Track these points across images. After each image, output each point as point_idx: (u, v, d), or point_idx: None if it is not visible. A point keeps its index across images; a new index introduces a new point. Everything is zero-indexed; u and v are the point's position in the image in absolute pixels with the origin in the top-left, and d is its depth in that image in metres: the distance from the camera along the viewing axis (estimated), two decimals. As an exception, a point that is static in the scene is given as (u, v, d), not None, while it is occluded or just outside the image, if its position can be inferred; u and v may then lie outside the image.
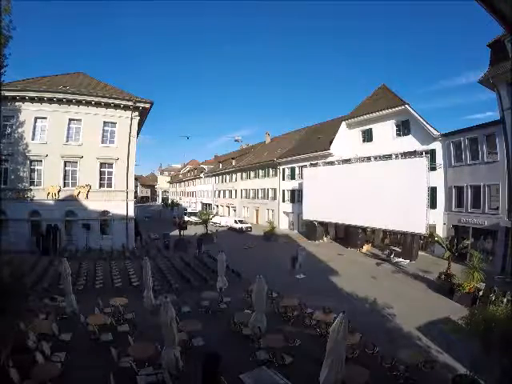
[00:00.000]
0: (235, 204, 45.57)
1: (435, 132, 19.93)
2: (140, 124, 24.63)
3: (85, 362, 6.84)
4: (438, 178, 19.57)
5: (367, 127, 25.25)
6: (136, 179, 34.03)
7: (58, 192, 20.32)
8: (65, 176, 20.80)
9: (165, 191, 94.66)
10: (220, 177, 51.65)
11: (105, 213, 21.57)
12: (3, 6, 15.43)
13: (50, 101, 20.16)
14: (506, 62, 15.67)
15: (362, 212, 21.38)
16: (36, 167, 20.28)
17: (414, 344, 8.32)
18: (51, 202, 20.10)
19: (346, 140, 26.67)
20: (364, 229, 22.91)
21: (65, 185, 20.78)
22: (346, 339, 5.97)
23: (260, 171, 38.83)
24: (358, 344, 7.47)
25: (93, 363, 6.74)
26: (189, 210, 46.45)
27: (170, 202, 65.69)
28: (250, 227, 33.28)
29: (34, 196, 19.77)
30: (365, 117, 24.80)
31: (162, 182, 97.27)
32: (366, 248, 22.54)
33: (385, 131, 23.58)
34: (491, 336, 5.31)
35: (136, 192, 30.24)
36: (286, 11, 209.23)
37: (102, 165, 21.58)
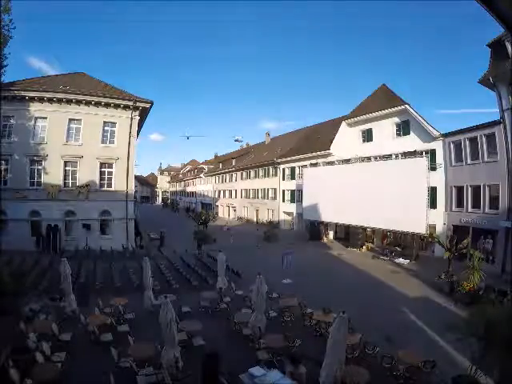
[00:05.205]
0: (235, 204, 45.60)
1: (435, 132, 19.92)
2: (140, 124, 24.64)
3: (85, 362, 6.84)
4: (438, 178, 19.56)
5: (367, 127, 25.25)
6: (136, 179, 34.00)
7: (58, 192, 20.33)
8: (65, 176, 20.80)
9: (165, 191, 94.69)
10: (220, 177, 51.69)
11: (105, 213, 21.58)
12: (3, 5, 15.51)
13: (50, 101, 20.15)
14: (506, 61, 15.67)
15: (362, 212, 21.40)
16: (36, 167, 20.28)
17: (418, 341, 8.30)
18: (51, 202, 20.09)
19: (346, 140, 26.67)
20: (364, 229, 22.94)
21: (65, 185, 20.78)
22: (345, 339, 5.98)
23: (260, 171, 38.85)
24: (358, 344, 7.46)
25: (93, 363, 6.75)
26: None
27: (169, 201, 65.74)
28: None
29: (34, 196, 19.77)
30: (365, 117, 24.80)
31: (162, 182, 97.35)
32: (366, 248, 22.58)
33: (385, 131, 23.59)
34: (491, 336, 5.31)
35: (136, 192, 30.23)
36: (286, 10, 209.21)
37: (102, 165, 21.57)
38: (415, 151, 19.79)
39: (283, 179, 33.55)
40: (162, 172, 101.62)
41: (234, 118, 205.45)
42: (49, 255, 17.60)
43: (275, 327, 8.77)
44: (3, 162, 19.31)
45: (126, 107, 21.92)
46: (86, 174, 21.05)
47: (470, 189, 18.14)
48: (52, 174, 20.28)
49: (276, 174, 34.87)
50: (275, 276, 14.96)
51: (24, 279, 10.06)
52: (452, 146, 19.23)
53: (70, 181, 20.97)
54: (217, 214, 43.03)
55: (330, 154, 26.75)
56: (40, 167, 20.28)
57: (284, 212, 33.69)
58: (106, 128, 21.80)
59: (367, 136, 25.37)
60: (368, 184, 20.95)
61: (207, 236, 22.50)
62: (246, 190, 42.49)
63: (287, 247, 19.87)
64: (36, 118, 20.23)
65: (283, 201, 33.57)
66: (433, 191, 19.34)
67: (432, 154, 19.71)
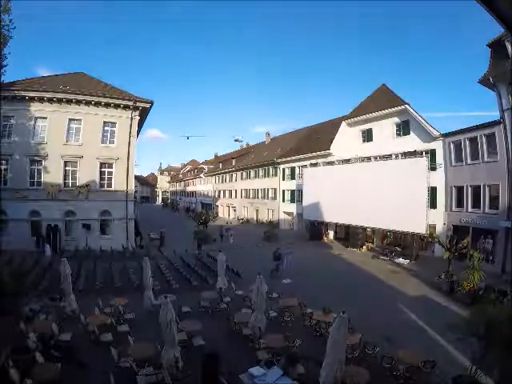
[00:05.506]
0: (235, 204, 45.59)
1: (435, 132, 19.92)
2: (140, 124, 24.64)
3: (85, 361, 6.83)
4: (438, 178, 19.55)
5: (367, 127, 25.24)
6: (136, 179, 34.02)
7: (58, 192, 20.32)
8: (65, 176, 20.80)
9: (165, 191, 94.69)
10: (220, 177, 51.68)
11: (105, 213, 21.57)
12: (3, 5, 15.51)
13: (50, 101, 20.14)
14: (506, 61, 15.67)
15: (362, 212, 21.39)
16: (36, 167, 20.27)
17: (418, 341, 8.31)
18: (51, 202, 20.08)
19: (346, 140, 26.66)
20: (364, 229, 22.93)
21: (65, 185, 20.77)
22: (345, 339, 5.98)
23: (260, 171, 38.84)
24: (358, 344, 7.46)
25: (93, 363, 6.74)
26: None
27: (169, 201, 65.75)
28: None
29: (34, 196, 19.76)
30: (365, 117, 24.79)
31: (162, 182, 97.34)
32: (366, 248, 22.58)
33: (385, 131, 23.57)
34: (491, 336, 5.31)
35: (136, 192, 30.26)
36: (285, 11, 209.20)
37: (102, 165, 21.56)
38: (415, 151, 19.78)
39: (283, 179, 33.54)
40: (161, 172, 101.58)
41: (234, 118, 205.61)
42: (49, 255, 17.60)
43: (275, 327, 8.77)
44: (3, 161, 19.30)
45: (125, 107, 21.91)
46: (86, 174, 21.04)
47: (470, 189, 18.13)
48: (52, 174, 20.27)
49: (276, 174, 34.87)
50: (275, 276, 14.98)
51: (24, 279, 10.05)
52: (452, 145, 19.23)
53: (70, 181, 20.95)
54: (217, 213, 42.99)
55: (330, 154, 26.74)
56: (40, 167, 20.26)
57: (284, 212, 33.68)
58: (105, 128, 21.79)
59: (367, 136, 25.36)
60: (368, 184, 20.94)
61: (208, 236, 22.49)
62: (246, 190, 42.48)
63: (287, 247, 19.91)
64: (36, 118, 20.22)
65: (283, 201, 33.56)
66: (433, 191, 19.34)
67: (432, 154, 19.71)
